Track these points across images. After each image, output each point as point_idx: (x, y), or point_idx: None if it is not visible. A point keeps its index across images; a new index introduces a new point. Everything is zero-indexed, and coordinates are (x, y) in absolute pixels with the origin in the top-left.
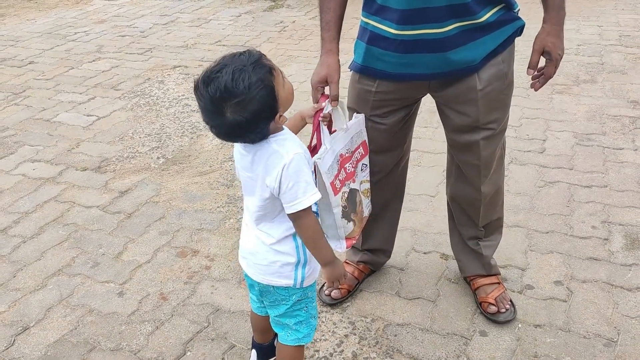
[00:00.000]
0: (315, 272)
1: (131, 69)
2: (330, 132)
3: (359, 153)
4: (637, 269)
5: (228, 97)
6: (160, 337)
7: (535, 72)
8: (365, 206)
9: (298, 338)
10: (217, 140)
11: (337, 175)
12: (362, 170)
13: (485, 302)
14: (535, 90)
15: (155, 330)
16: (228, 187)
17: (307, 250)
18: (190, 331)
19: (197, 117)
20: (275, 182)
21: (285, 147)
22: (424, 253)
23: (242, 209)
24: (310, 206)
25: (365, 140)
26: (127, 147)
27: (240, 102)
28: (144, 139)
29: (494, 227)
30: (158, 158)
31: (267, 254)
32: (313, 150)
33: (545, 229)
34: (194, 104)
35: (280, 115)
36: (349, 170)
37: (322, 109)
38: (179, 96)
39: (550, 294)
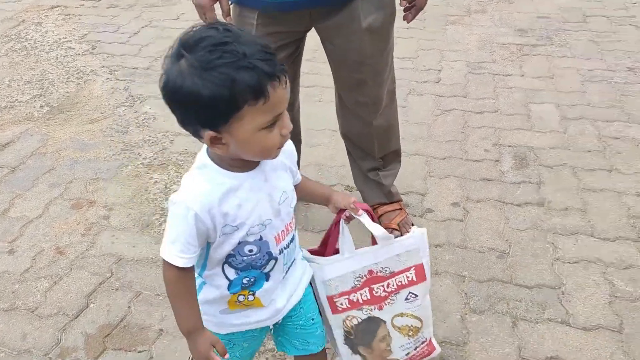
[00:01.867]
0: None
1: (1, 11)
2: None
3: (406, 277)
4: (525, 186)
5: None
6: (59, 292)
7: (408, 4)
8: (400, 347)
9: None
10: (108, 85)
11: (346, 294)
12: (406, 299)
13: (389, 227)
14: (408, 22)
15: (53, 286)
16: (123, 134)
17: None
18: (92, 283)
19: (83, 61)
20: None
21: (185, 185)
22: (329, 186)
23: (140, 156)
24: (172, 262)
25: (422, 264)
26: (3, 96)
27: (194, 62)
28: (24, 87)
29: (391, 158)
30: (42, 107)
31: None
32: (323, 244)
33: (443, 155)
34: (79, 46)
35: (216, 139)
36: (377, 293)
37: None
38: (60, 39)
39: (448, 215)
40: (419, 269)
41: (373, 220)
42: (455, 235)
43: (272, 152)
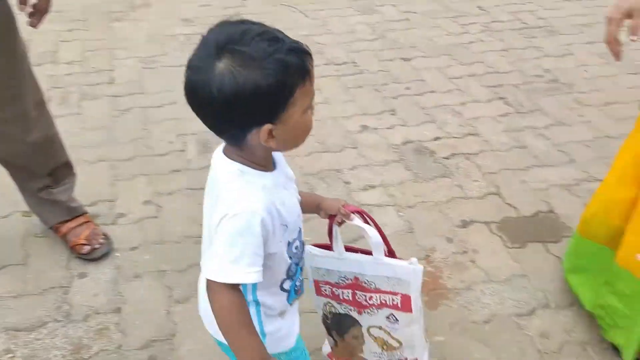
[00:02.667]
0: (283, 341)
1: None
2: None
3: (392, 300)
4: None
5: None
6: None
7: (29, 8)
8: (372, 352)
9: None
10: None
11: (334, 285)
12: (387, 318)
13: (77, 244)
14: (35, 27)
15: None
16: None
17: (266, 322)
18: None
19: None
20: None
21: (237, 196)
22: (4, 217)
23: None
24: (229, 284)
25: (412, 298)
26: None
27: (251, 55)
28: None
29: (63, 172)
30: None
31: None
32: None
33: (128, 156)
34: None
35: (271, 133)
36: (359, 299)
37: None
38: None
39: (141, 215)
40: (406, 299)
41: (365, 221)
42: (151, 233)
43: (309, 132)
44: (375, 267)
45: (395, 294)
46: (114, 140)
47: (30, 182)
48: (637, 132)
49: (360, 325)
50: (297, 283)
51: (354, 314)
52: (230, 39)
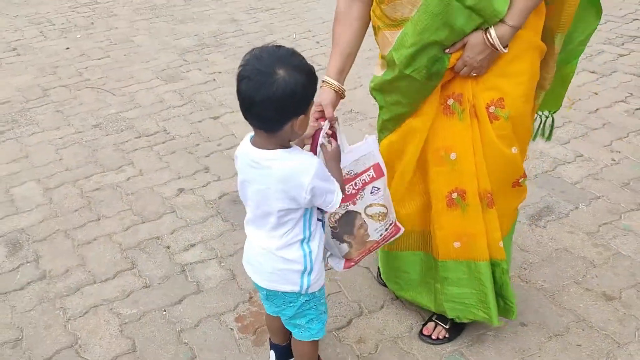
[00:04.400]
0: (321, 278)
1: None
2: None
3: (368, 176)
4: (23, 267)
5: (287, 57)
6: None
7: None
8: (374, 230)
9: (311, 334)
10: None
11: None
12: (371, 193)
13: None
14: None
15: None
16: None
17: (314, 258)
18: None
19: None
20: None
21: (302, 160)
22: None
23: None
24: None
25: (378, 163)
26: None
27: (299, 66)
28: None
29: None
30: None
31: (273, 262)
32: None
33: None
34: None
35: (304, 117)
36: (348, 191)
37: (321, 129)
38: None
39: None
40: (377, 167)
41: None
42: None
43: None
44: (351, 154)
45: (367, 169)
46: None
47: None
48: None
49: (359, 213)
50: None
51: (351, 207)
52: (283, 55)
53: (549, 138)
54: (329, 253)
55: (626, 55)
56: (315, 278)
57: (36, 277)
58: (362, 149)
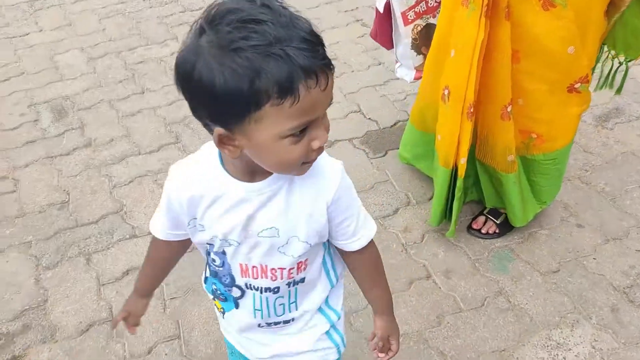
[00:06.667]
0: (340, 297)
1: None
2: None
3: None
4: (69, 134)
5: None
6: None
7: None
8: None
9: None
10: None
11: (412, 7)
12: None
13: None
14: None
15: None
16: None
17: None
18: None
19: None
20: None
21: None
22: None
23: None
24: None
25: None
26: None
27: (226, 43)
28: None
29: None
30: None
31: (302, 339)
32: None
33: None
34: None
35: (227, 138)
36: (430, 4)
37: None
38: None
39: None
40: None
41: None
42: (10, 208)
43: (294, 167)
44: None
45: None
46: None
47: None
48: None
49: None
50: (214, 287)
51: (431, 20)
52: (210, 16)
53: (618, 91)
54: (398, 64)
55: None
56: (342, 320)
57: (81, 144)
58: None
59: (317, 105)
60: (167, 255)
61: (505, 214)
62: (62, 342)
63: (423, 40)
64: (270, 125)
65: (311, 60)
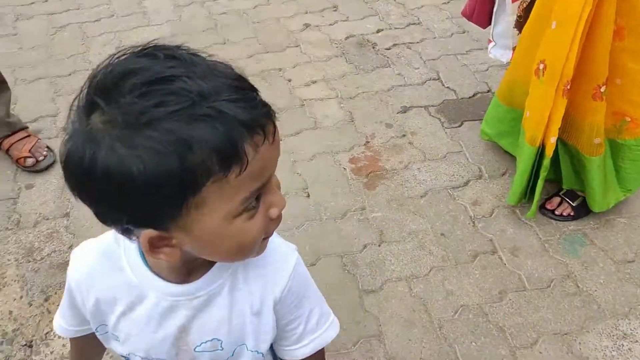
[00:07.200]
0: None
1: None
2: None
3: None
4: None
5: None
6: None
7: None
8: None
9: None
10: None
11: None
12: None
13: (20, 157)
14: None
15: None
16: None
17: None
18: None
19: None
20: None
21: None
22: None
23: None
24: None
25: None
26: None
27: (133, 119)
28: None
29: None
30: None
31: None
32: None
33: (68, 72)
34: None
35: (160, 239)
36: None
37: None
38: None
39: None
40: None
41: None
42: None
43: (255, 247)
44: None
45: None
46: (53, 57)
47: None
48: None
49: None
50: None
51: None
52: (102, 84)
53: None
54: (492, 44)
55: None
56: None
57: None
58: None
59: (269, 164)
60: (91, 350)
61: (583, 197)
62: None
63: (525, 17)
64: (217, 206)
65: (251, 111)
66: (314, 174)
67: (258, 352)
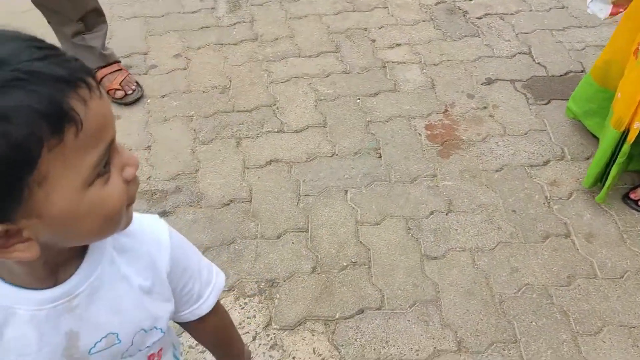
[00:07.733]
0: None
1: None
2: None
3: None
4: (239, 26)
5: None
6: None
7: None
8: None
9: None
10: None
11: None
12: None
13: (111, 89)
14: None
15: None
16: None
17: None
18: None
19: None
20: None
21: None
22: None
23: None
24: None
25: None
26: None
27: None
28: None
29: (93, 18)
30: None
31: None
32: None
33: (161, 13)
34: None
35: (10, 236)
36: None
37: None
38: None
39: (171, 67)
40: None
41: None
42: (180, 83)
43: (122, 216)
44: None
45: None
46: None
47: (64, 27)
48: None
49: None
50: None
51: None
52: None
53: None
54: None
55: None
56: None
57: (249, 37)
58: None
59: (106, 121)
60: None
61: None
62: (205, 209)
63: None
64: (64, 178)
65: (65, 65)
66: (388, 136)
67: (157, 328)
